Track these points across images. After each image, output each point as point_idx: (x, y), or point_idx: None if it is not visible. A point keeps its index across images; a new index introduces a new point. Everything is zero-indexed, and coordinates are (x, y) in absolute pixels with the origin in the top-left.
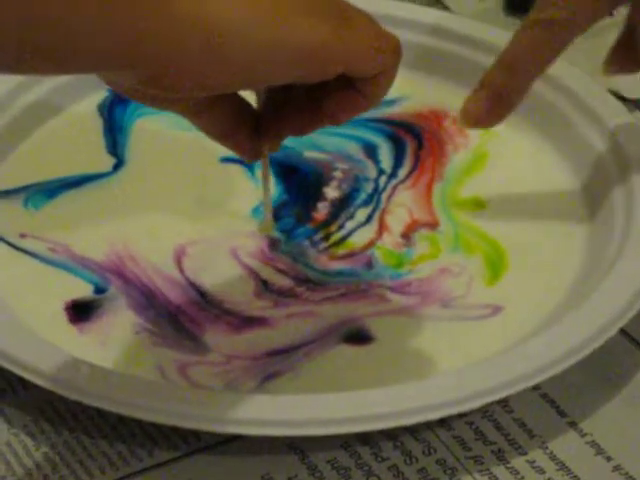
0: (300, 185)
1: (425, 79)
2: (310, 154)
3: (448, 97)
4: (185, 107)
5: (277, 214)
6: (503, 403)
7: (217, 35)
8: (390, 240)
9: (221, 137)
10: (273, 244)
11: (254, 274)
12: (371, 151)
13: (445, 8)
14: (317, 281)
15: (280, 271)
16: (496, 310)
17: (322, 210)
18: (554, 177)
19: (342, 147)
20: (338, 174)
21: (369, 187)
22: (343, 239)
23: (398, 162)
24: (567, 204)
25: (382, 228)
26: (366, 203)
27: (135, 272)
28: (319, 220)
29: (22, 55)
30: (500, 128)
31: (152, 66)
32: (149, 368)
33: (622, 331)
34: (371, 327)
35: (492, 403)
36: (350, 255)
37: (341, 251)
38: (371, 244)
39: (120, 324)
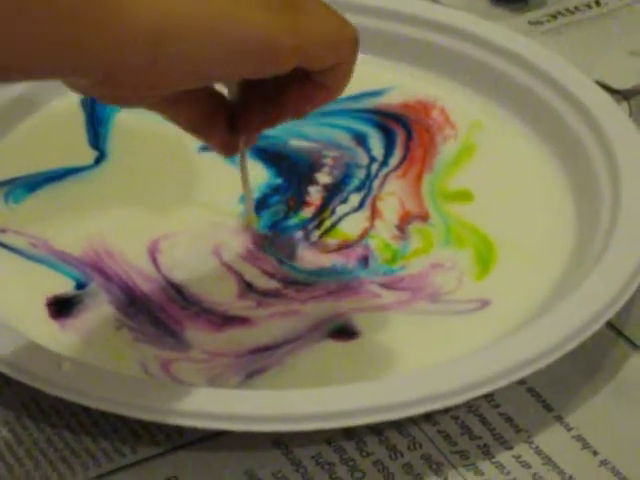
0: (290, 170)
1: (411, 70)
2: (297, 142)
3: (434, 88)
4: (154, 103)
5: (268, 199)
6: (489, 397)
7: (162, 33)
8: (385, 230)
9: (195, 130)
10: (260, 241)
11: (238, 275)
12: (361, 139)
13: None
14: (304, 282)
15: (266, 273)
16: (483, 304)
17: (315, 194)
18: (541, 169)
19: (330, 136)
20: (328, 161)
21: (361, 173)
22: (334, 225)
23: (389, 151)
24: (554, 197)
25: (375, 214)
26: (358, 189)
27: (113, 268)
28: (312, 204)
29: None
30: (486, 120)
31: (100, 68)
32: (132, 364)
33: (609, 324)
34: (356, 322)
35: (478, 397)
36: (345, 247)
37: (335, 242)
38: (365, 233)
39: (102, 320)
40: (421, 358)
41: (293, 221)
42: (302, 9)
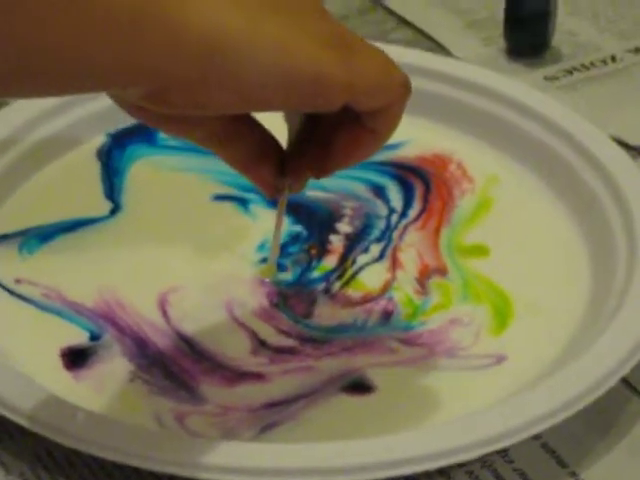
0: (310, 219)
1: (426, 124)
2: (314, 193)
3: (450, 142)
4: (205, 136)
5: (288, 247)
6: (503, 453)
7: (219, 52)
8: (406, 283)
9: (243, 169)
10: (275, 298)
11: (251, 332)
12: (379, 191)
13: (448, 54)
14: (321, 339)
15: (281, 332)
16: (499, 359)
17: (337, 243)
18: (556, 224)
19: (347, 187)
20: (348, 211)
21: (381, 224)
22: (355, 275)
23: (408, 203)
24: (569, 252)
25: (396, 265)
26: (379, 240)
27: (125, 319)
28: (335, 252)
29: (19, 77)
30: (502, 174)
31: (154, 80)
32: (146, 416)
33: (623, 380)
34: (372, 377)
35: (492, 453)
36: (368, 300)
37: (357, 294)
38: (388, 285)
39: (116, 371)
40: (436, 413)
41: (315, 273)
42: (354, 48)
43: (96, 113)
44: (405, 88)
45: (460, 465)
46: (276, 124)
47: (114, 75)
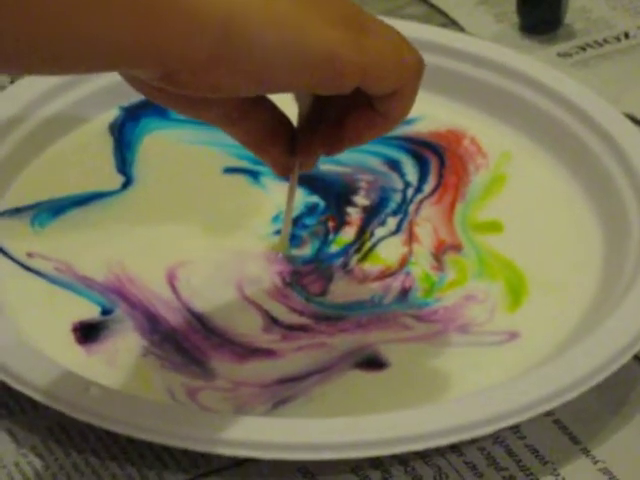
0: (326, 191)
1: (440, 100)
2: (327, 166)
3: (463, 118)
4: (218, 116)
5: (304, 218)
6: (515, 429)
7: (233, 33)
8: (423, 258)
9: (255, 148)
10: (288, 277)
11: (263, 311)
12: (394, 165)
13: (461, 30)
14: (335, 316)
15: (294, 310)
16: (512, 336)
17: (355, 215)
18: (569, 200)
19: (362, 161)
20: (363, 184)
21: (397, 197)
22: (372, 248)
23: (423, 177)
24: (582, 228)
25: (412, 239)
26: (395, 213)
27: (136, 294)
28: (353, 224)
29: (35, 55)
30: (515, 150)
31: (168, 61)
32: (159, 391)
33: (636, 357)
34: (385, 353)
35: (504, 429)
36: (387, 275)
37: (375, 269)
38: (405, 260)
39: (128, 346)
40: (448, 389)
41: (333, 246)
42: (369, 29)
43: (109, 87)
44: (418, 71)
45: (472, 441)
46: (287, 102)
47: (128, 56)
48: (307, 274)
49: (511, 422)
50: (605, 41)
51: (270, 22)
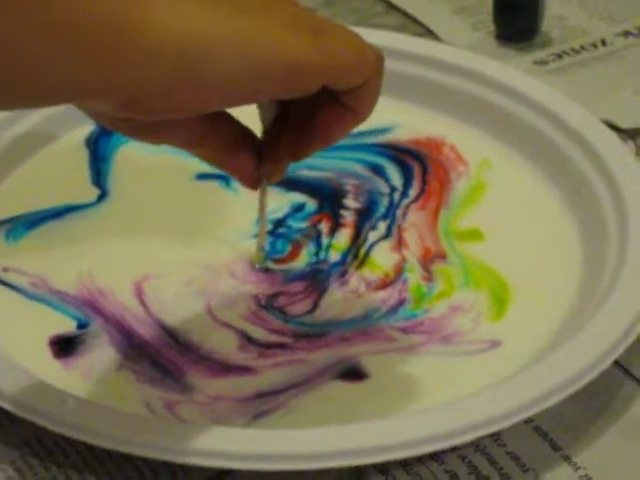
0: (315, 193)
1: (416, 109)
2: (308, 172)
3: (441, 127)
4: (182, 139)
5: (289, 218)
6: (496, 436)
7: (189, 55)
8: (415, 265)
9: (222, 164)
10: (264, 299)
11: (237, 331)
12: (378, 170)
13: (436, 39)
14: (317, 333)
15: (273, 331)
16: (494, 345)
17: (349, 217)
18: (548, 207)
19: (344, 167)
20: (350, 188)
21: (385, 201)
22: (368, 253)
23: (407, 182)
24: (561, 235)
25: (401, 243)
26: (384, 217)
27: (108, 308)
28: (348, 226)
29: None
30: (493, 158)
31: (126, 91)
32: (136, 404)
33: (616, 363)
34: (366, 364)
35: (484, 437)
36: (387, 284)
37: (374, 277)
38: (400, 267)
39: (104, 360)
40: (429, 398)
41: (331, 253)
42: (323, 30)
43: None
44: (379, 63)
45: (453, 449)
46: (243, 114)
47: (84, 89)
48: (291, 295)
49: (491, 430)
50: (582, 48)
51: (226, 39)
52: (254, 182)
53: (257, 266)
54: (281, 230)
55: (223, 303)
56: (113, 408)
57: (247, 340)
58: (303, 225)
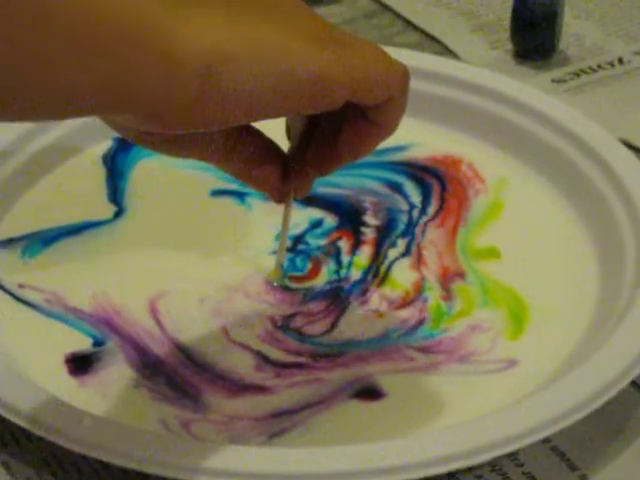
0: (334, 209)
1: (434, 127)
2: (327, 189)
3: (459, 145)
4: (207, 153)
5: (307, 235)
6: (512, 456)
7: (214, 71)
8: (434, 284)
9: (248, 178)
10: (280, 320)
11: (253, 352)
12: (397, 187)
13: (455, 57)
14: (335, 353)
15: (290, 352)
16: (511, 364)
17: (369, 234)
18: (565, 226)
19: (362, 184)
20: (368, 205)
21: (404, 218)
22: (388, 272)
23: (426, 200)
24: (579, 254)
25: (421, 262)
26: (404, 235)
27: (123, 326)
28: (368, 244)
29: (9, 100)
30: (511, 176)
31: (147, 104)
32: (152, 422)
33: (634, 383)
34: (383, 383)
35: (501, 456)
36: (407, 303)
37: (394, 295)
38: (419, 286)
39: (120, 378)
40: (446, 418)
41: (353, 270)
42: (348, 44)
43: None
44: (405, 78)
45: (469, 469)
46: (271, 128)
47: (105, 102)
48: (310, 314)
49: (508, 449)
50: (599, 67)
51: (252, 52)
52: (279, 195)
53: (275, 284)
54: (300, 247)
55: (239, 323)
56: (129, 426)
57: (263, 360)
58: (322, 242)
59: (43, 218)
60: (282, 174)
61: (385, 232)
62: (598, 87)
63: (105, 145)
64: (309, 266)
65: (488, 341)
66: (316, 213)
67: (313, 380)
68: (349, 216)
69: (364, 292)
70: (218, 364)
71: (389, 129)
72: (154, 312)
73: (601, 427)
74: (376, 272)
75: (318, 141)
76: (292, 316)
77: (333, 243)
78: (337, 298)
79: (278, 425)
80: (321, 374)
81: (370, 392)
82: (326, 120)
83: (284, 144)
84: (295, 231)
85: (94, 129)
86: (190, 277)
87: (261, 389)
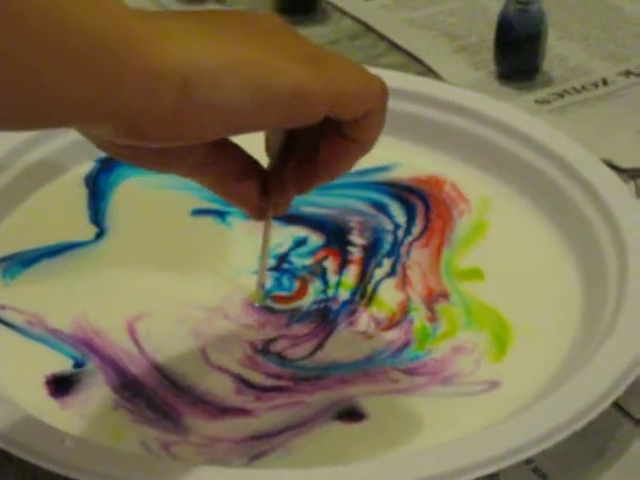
0: (319, 228)
1: (417, 148)
2: (310, 209)
3: (442, 165)
4: (186, 167)
5: (291, 253)
6: (494, 477)
7: (192, 83)
8: (419, 305)
9: (228, 194)
10: (260, 344)
11: (233, 375)
12: (381, 207)
13: (438, 78)
14: (317, 376)
15: (270, 375)
16: (493, 385)
17: (356, 254)
18: (548, 248)
19: (347, 204)
20: (354, 224)
21: (389, 238)
22: (374, 291)
23: (410, 220)
24: (561, 276)
25: (406, 282)
26: (389, 255)
27: (103, 347)
28: (355, 263)
29: None
30: (493, 197)
31: (125, 116)
32: (132, 443)
33: (615, 404)
34: (365, 405)
35: (483, 477)
36: (394, 324)
37: (381, 315)
38: (405, 307)
39: (100, 399)
40: (427, 439)
41: (341, 290)
42: (327, 60)
43: (85, 140)
44: (383, 93)
45: None
46: (252, 145)
47: (85, 114)
48: (294, 337)
49: (489, 470)
50: (583, 87)
51: (230, 67)
52: (259, 212)
53: (256, 304)
54: (285, 265)
55: (218, 347)
56: (110, 447)
57: (243, 384)
58: (307, 261)
59: (24, 239)
60: (261, 190)
61: (371, 252)
62: (582, 108)
63: (87, 166)
64: (296, 285)
65: (471, 363)
66: (300, 231)
67: (294, 403)
68: (335, 235)
69: (353, 312)
70: (198, 386)
71: (367, 146)
72: (132, 333)
73: (583, 448)
74: (363, 292)
75: (297, 158)
76: (273, 340)
77: (319, 262)
78: (325, 319)
79: (259, 447)
80: (302, 397)
81: (352, 414)
82: (305, 137)
83: (265, 161)
84: (279, 250)
85: (77, 150)
86: (170, 298)
87: (241, 412)
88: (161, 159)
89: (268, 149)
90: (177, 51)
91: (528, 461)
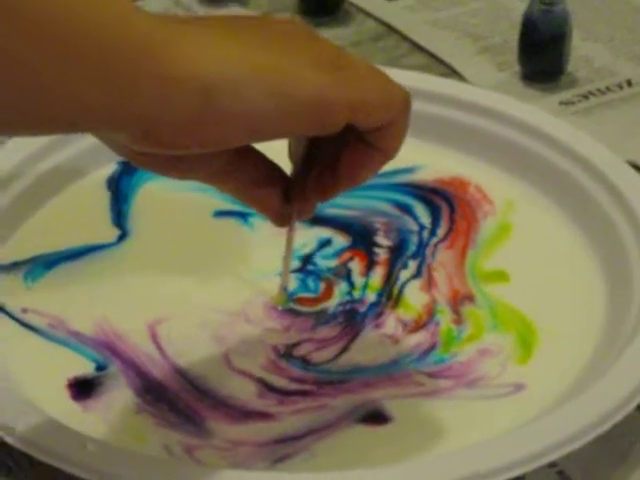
0: (345, 229)
1: (441, 149)
2: (335, 210)
3: (465, 167)
4: (207, 174)
5: (315, 255)
6: None
7: (214, 91)
8: (445, 307)
9: (250, 200)
10: (282, 348)
11: (255, 379)
12: (406, 209)
13: (462, 79)
14: (340, 380)
15: (294, 380)
16: (518, 388)
17: (382, 255)
18: (573, 249)
19: (372, 206)
20: (379, 225)
21: (415, 239)
22: (400, 293)
23: (435, 221)
24: (586, 277)
25: (431, 284)
26: (414, 256)
27: (125, 351)
28: (381, 264)
29: (9, 118)
30: (518, 199)
31: (143, 122)
32: (155, 447)
33: (639, 407)
34: (389, 408)
35: None
36: (421, 326)
37: (409, 317)
38: (431, 309)
39: (123, 403)
40: (452, 442)
41: (368, 292)
42: (350, 66)
43: None
44: (406, 102)
45: None
46: (275, 152)
47: (101, 119)
48: (319, 341)
49: (514, 474)
50: (608, 89)
51: (252, 74)
52: (281, 219)
53: (279, 307)
54: (309, 267)
55: (240, 351)
56: (132, 451)
57: (266, 388)
58: (332, 262)
59: (47, 242)
60: (283, 197)
61: (397, 253)
62: (606, 109)
63: (110, 168)
64: (322, 287)
65: (497, 366)
66: (324, 232)
67: (318, 407)
68: (361, 236)
69: (379, 315)
70: (220, 390)
71: (389, 154)
72: (154, 337)
73: (607, 451)
74: (390, 294)
75: (319, 166)
76: (297, 344)
77: (344, 264)
78: (352, 321)
79: (282, 450)
80: (326, 400)
81: (376, 417)
82: (328, 144)
83: (287, 167)
84: (304, 250)
85: (99, 152)
86: (192, 301)
87: (264, 416)
88: (181, 166)
89: (291, 155)
90: (197, 57)
91: (552, 464)
